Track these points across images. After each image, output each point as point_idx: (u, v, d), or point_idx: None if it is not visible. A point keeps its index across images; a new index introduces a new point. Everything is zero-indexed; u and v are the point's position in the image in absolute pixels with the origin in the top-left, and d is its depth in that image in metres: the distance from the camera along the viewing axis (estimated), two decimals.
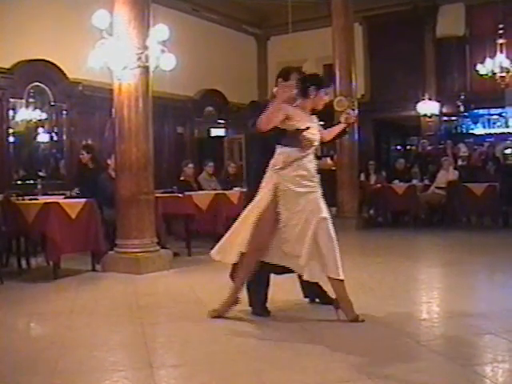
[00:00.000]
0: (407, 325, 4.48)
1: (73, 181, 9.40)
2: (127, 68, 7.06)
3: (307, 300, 5.12)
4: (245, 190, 9.86)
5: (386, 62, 14.91)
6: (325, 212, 4.50)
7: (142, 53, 7.05)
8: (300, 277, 4.86)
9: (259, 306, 4.78)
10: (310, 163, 4.58)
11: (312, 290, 5.05)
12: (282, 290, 4.93)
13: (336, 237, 4.51)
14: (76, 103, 10.98)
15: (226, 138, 14.90)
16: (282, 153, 4.52)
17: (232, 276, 4.92)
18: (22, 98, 10.17)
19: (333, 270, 4.43)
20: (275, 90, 4.93)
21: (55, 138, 10.89)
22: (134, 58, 7.03)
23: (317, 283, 5.00)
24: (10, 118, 9.98)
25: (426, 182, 12.15)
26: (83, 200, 7.24)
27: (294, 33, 13.51)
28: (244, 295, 4.85)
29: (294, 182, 4.48)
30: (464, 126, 15.56)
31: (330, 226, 4.49)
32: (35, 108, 10.47)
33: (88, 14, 7.06)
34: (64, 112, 10.81)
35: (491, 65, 13.06)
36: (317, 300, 5.10)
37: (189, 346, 4.12)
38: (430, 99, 14.62)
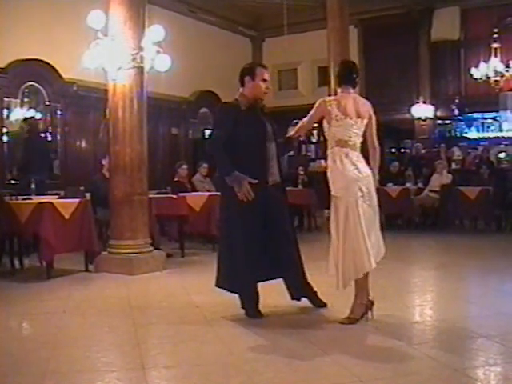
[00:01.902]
0: (399, 327, 4.49)
1: None
2: (122, 68, 7.05)
3: (296, 302, 5.00)
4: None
5: (380, 65, 14.97)
6: None
7: (137, 53, 7.04)
8: (285, 278, 4.85)
9: (252, 308, 4.78)
10: None
11: (299, 290, 4.95)
12: (274, 292, 4.93)
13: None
14: (70, 103, 10.98)
15: None
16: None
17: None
18: (16, 98, 10.17)
19: None
20: (241, 89, 4.88)
21: (49, 138, 10.87)
22: (128, 59, 7.02)
23: (308, 285, 4.98)
24: (5, 117, 9.96)
25: (420, 185, 12.17)
26: (77, 200, 7.23)
27: (290, 35, 13.53)
28: (236, 297, 4.85)
29: None
30: (458, 129, 15.60)
31: None
32: (30, 108, 10.46)
33: (83, 14, 7.05)
34: (58, 112, 10.81)
35: (485, 69, 13.13)
36: (303, 300, 4.98)
37: (181, 347, 4.12)
38: (424, 102, 14.67)
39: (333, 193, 4.61)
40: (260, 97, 4.90)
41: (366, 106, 4.70)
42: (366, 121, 4.65)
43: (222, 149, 4.71)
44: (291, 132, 5.05)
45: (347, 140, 4.56)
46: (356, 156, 4.58)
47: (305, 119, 4.87)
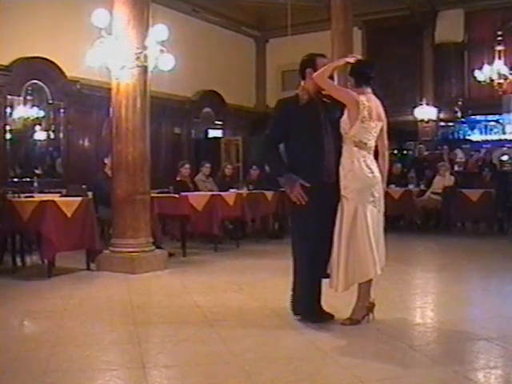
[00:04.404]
0: (400, 329, 4.48)
1: None
2: (125, 67, 7.05)
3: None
4: (243, 191, 9.94)
5: (384, 67, 14.87)
6: None
7: (140, 52, 7.05)
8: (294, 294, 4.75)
9: (313, 313, 4.59)
10: None
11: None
12: (276, 292, 4.92)
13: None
14: (74, 102, 10.99)
15: (223, 139, 14.90)
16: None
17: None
18: (19, 96, 10.17)
19: None
20: (303, 83, 4.68)
21: (52, 136, 10.90)
22: (132, 58, 7.02)
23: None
24: (8, 115, 9.98)
25: (422, 187, 12.15)
26: (79, 198, 7.23)
27: (293, 35, 13.51)
28: (232, 299, 4.84)
29: None
30: (461, 131, 15.58)
31: None
32: (33, 106, 10.48)
33: (87, 13, 7.07)
34: (61, 110, 10.82)
35: (489, 71, 13.12)
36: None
37: (182, 346, 4.12)
38: (427, 104, 14.68)
39: (343, 192, 4.49)
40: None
41: (381, 109, 4.60)
42: (381, 124, 4.56)
43: (272, 149, 4.65)
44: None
45: (366, 142, 4.47)
46: (370, 160, 4.50)
47: (333, 83, 4.68)
